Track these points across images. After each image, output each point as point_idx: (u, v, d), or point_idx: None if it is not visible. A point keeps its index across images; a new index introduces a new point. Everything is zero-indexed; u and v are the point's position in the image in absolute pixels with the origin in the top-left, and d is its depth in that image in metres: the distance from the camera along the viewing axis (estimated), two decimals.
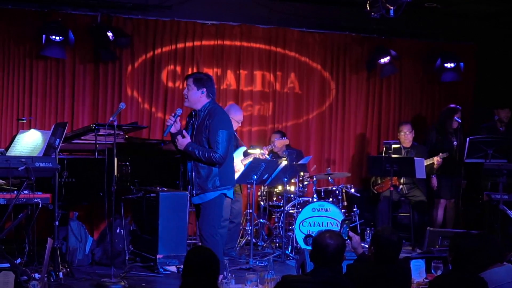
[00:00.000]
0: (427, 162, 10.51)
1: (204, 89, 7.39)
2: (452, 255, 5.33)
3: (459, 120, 10.78)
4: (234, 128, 9.67)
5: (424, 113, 12.50)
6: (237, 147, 9.74)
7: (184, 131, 7.41)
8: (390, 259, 5.42)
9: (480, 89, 12.59)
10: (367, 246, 6.47)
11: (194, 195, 7.41)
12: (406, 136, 10.98)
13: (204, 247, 4.98)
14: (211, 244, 7.06)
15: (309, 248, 5.35)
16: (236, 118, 9.58)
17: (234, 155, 9.52)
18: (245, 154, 9.89)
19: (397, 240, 5.46)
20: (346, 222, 6.17)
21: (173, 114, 7.43)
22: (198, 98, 7.40)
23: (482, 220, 10.97)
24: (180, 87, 11.04)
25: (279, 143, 10.30)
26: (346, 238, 5.83)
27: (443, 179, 11.02)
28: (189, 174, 7.42)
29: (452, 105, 11.18)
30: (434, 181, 11.06)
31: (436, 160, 10.66)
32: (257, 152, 9.86)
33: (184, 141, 7.33)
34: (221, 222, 9.52)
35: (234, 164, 9.42)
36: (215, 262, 4.65)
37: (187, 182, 7.52)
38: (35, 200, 7.68)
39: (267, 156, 9.98)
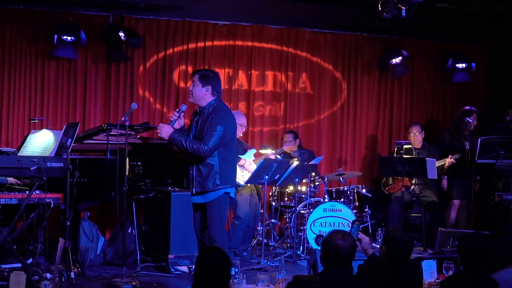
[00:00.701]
0: (438, 163, 10.48)
1: (210, 87, 7.22)
2: (461, 256, 5.32)
3: (473, 122, 10.74)
4: (240, 133, 9.69)
5: (436, 114, 12.47)
6: (245, 150, 9.76)
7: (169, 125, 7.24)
8: (402, 259, 5.41)
9: (492, 89, 12.55)
10: (378, 246, 6.47)
11: (194, 193, 7.26)
12: (416, 137, 10.96)
13: (216, 247, 4.96)
14: (220, 244, 7.03)
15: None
16: (239, 122, 9.60)
17: (245, 157, 9.55)
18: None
19: (408, 240, 5.45)
20: (357, 223, 6.16)
21: (177, 110, 7.32)
22: (202, 95, 7.24)
23: (493, 220, 10.95)
24: None
25: (288, 148, 10.29)
26: (356, 239, 5.81)
27: (455, 180, 10.99)
28: (190, 172, 7.29)
29: (467, 107, 11.15)
30: (445, 182, 11.04)
31: (447, 161, 10.63)
32: (268, 152, 9.86)
33: (168, 129, 7.15)
34: (234, 220, 9.60)
35: (247, 164, 9.46)
36: (227, 262, 4.64)
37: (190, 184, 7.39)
38: (47, 200, 7.71)
39: (279, 156, 9.98)
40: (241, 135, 9.92)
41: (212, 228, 7.22)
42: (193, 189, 7.25)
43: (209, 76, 7.28)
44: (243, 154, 9.65)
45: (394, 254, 5.38)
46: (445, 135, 11.25)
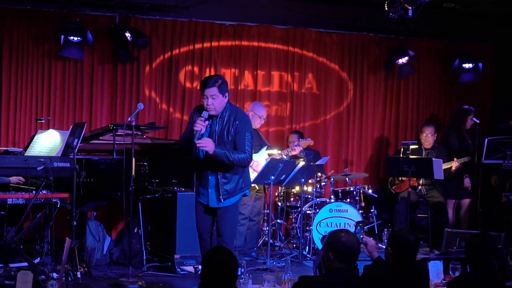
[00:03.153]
0: (446, 165, 10.46)
1: (226, 93, 7.14)
2: (469, 256, 5.32)
3: (477, 121, 10.73)
4: (259, 125, 9.76)
5: (442, 114, 12.44)
6: (261, 146, 9.75)
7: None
8: (408, 259, 5.41)
9: (498, 89, 12.53)
10: (384, 247, 6.45)
11: (222, 200, 7.13)
12: (428, 138, 10.92)
13: (223, 248, 4.96)
14: (230, 246, 7.03)
15: None
16: (260, 114, 9.63)
17: (258, 154, 9.55)
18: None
19: (414, 240, 5.44)
20: (360, 224, 6.15)
21: (201, 119, 6.99)
22: (223, 104, 7.12)
23: (501, 221, 10.95)
24: (198, 87, 11.03)
25: (297, 149, 10.23)
26: (361, 242, 5.79)
27: (454, 179, 11.03)
28: (212, 180, 7.17)
29: (466, 106, 11.18)
30: (467, 181, 10.97)
31: (454, 165, 10.60)
32: (274, 152, 9.86)
33: (212, 143, 6.97)
34: (240, 219, 9.61)
35: (255, 165, 9.45)
36: (234, 263, 4.65)
37: (201, 187, 7.29)
38: (53, 200, 7.73)
39: (285, 157, 9.98)
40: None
41: (227, 230, 7.21)
42: (220, 196, 7.12)
43: (224, 83, 7.15)
44: (259, 149, 9.64)
45: (400, 254, 5.38)
46: (450, 136, 11.22)
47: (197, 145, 6.95)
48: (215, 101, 7.03)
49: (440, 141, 11.38)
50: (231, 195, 7.18)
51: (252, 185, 9.62)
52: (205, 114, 7.04)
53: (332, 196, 10.19)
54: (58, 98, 10.52)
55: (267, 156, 9.67)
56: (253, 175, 9.43)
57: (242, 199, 9.55)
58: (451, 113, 11.87)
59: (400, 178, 10.96)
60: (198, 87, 10.83)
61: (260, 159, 9.52)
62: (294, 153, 9.96)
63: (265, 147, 9.81)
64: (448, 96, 12.51)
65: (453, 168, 10.61)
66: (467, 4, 11.08)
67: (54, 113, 10.46)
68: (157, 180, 9.37)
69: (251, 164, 9.30)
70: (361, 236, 5.97)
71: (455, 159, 10.60)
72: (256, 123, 9.65)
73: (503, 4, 11.02)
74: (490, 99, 12.61)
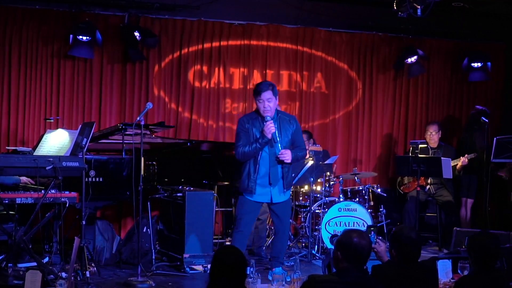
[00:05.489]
0: (453, 162, 10.45)
1: (277, 96, 7.88)
2: (474, 255, 5.30)
3: (487, 120, 10.70)
4: None
5: (452, 113, 12.42)
6: None
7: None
8: (414, 257, 5.38)
9: (509, 88, 12.48)
10: None
11: (284, 193, 7.96)
12: (432, 136, 10.92)
13: (233, 247, 4.95)
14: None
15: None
16: None
17: None
18: None
19: (416, 237, 5.42)
20: (373, 229, 6.14)
21: (271, 122, 7.72)
22: (276, 106, 7.90)
23: (509, 220, 10.93)
24: (207, 86, 11.08)
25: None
26: (373, 248, 5.78)
27: (463, 177, 11.02)
28: (277, 177, 7.86)
29: (478, 107, 11.19)
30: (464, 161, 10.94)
31: (461, 160, 10.61)
32: None
33: (290, 153, 7.78)
34: None
35: None
36: (243, 262, 4.65)
37: (259, 186, 7.86)
38: (62, 199, 7.74)
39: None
40: None
41: (288, 222, 8.30)
42: (285, 190, 7.97)
43: (275, 87, 7.88)
44: None
45: (406, 254, 5.35)
46: (464, 134, 11.24)
47: (280, 157, 7.76)
48: (271, 103, 7.75)
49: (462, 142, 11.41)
50: (289, 189, 8.10)
51: None
52: (267, 117, 7.72)
53: (341, 195, 10.17)
54: (67, 97, 10.54)
55: None
56: None
57: None
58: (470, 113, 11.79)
59: (408, 178, 10.96)
60: (207, 87, 10.95)
61: None
62: None
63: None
64: (458, 96, 12.47)
65: (459, 165, 10.62)
66: (477, 3, 11.05)
67: (63, 112, 10.47)
68: (166, 180, 9.37)
69: None
70: (375, 240, 5.95)
71: (466, 155, 10.61)
72: None
73: None
74: (500, 98, 12.56)
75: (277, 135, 7.74)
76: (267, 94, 7.68)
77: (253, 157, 7.78)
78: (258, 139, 7.71)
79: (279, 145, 7.78)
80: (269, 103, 7.70)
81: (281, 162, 7.82)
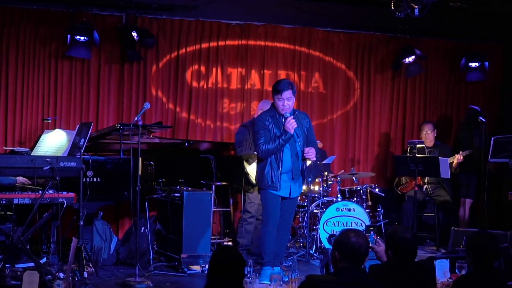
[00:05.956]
0: (449, 160, 10.46)
1: (295, 94, 8.16)
2: (473, 255, 5.30)
3: (484, 120, 10.71)
4: None
5: (450, 113, 12.41)
6: None
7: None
8: (410, 257, 5.38)
9: (507, 88, 12.47)
10: None
11: (300, 188, 8.31)
12: (427, 135, 10.96)
13: (231, 247, 4.98)
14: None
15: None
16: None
17: None
18: None
19: (411, 237, 5.42)
20: (372, 229, 6.13)
21: (292, 117, 7.96)
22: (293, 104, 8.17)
23: (508, 219, 10.94)
24: (205, 87, 11.07)
25: None
26: (371, 247, 5.77)
27: (461, 177, 11.02)
28: (298, 172, 8.13)
29: (474, 107, 11.21)
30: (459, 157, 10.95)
31: (457, 157, 10.63)
32: None
33: (314, 151, 8.06)
34: (247, 218, 9.60)
35: None
36: (241, 262, 4.65)
37: (283, 182, 8.06)
38: (60, 200, 7.73)
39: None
40: None
41: (291, 220, 8.60)
42: (304, 184, 8.47)
43: (294, 85, 8.13)
44: None
45: (402, 254, 5.35)
46: (460, 133, 11.24)
47: (306, 156, 8.03)
48: (290, 101, 8.01)
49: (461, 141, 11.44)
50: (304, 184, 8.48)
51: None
52: (286, 114, 7.98)
53: (339, 195, 10.17)
54: (64, 97, 10.53)
55: None
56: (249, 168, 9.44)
57: (249, 197, 9.61)
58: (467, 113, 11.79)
59: (405, 178, 10.97)
60: (205, 87, 10.94)
61: None
62: None
63: None
64: (456, 96, 12.46)
65: (455, 162, 10.63)
66: (475, 3, 11.05)
67: (61, 112, 10.46)
68: (164, 180, 9.37)
69: None
70: (374, 240, 5.95)
71: (460, 152, 10.63)
72: None
73: (511, 3, 10.97)
74: (498, 98, 12.56)
75: (298, 131, 7.94)
76: (287, 94, 7.93)
77: (275, 154, 7.96)
78: (280, 136, 7.89)
79: (299, 140, 8.01)
80: (288, 102, 7.96)
81: (305, 159, 8.07)
